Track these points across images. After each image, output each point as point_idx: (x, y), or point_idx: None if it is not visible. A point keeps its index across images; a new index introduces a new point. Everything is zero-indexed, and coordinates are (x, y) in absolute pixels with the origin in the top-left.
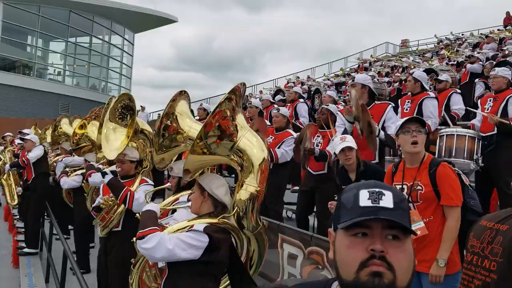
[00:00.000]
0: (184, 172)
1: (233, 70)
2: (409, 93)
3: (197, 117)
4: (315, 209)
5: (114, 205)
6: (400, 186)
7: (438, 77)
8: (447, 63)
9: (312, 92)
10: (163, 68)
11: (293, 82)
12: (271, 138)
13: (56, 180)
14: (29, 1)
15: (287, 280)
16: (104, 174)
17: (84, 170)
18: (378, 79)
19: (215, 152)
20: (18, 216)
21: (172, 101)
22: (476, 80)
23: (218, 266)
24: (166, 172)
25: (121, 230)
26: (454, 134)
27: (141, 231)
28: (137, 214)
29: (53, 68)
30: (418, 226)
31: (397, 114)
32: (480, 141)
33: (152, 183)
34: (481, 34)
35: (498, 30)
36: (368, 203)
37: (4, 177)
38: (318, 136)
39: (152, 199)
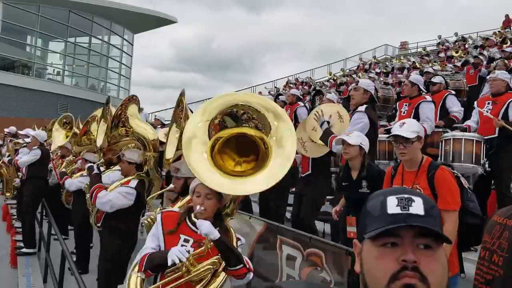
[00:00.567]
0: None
1: (232, 71)
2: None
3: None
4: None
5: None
6: None
7: (431, 79)
8: (453, 65)
9: (312, 94)
10: (163, 68)
11: (294, 83)
12: None
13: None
14: (28, 1)
15: (285, 282)
16: (90, 169)
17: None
18: (380, 81)
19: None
20: (16, 216)
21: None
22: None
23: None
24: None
25: (102, 228)
26: (461, 139)
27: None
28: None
29: (52, 68)
30: None
31: (395, 117)
32: (485, 145)
33: (132, 186)
34: (479, 36)
35: (499, 31)
36: (397, 210)
37: (4, 169)
38: None
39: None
